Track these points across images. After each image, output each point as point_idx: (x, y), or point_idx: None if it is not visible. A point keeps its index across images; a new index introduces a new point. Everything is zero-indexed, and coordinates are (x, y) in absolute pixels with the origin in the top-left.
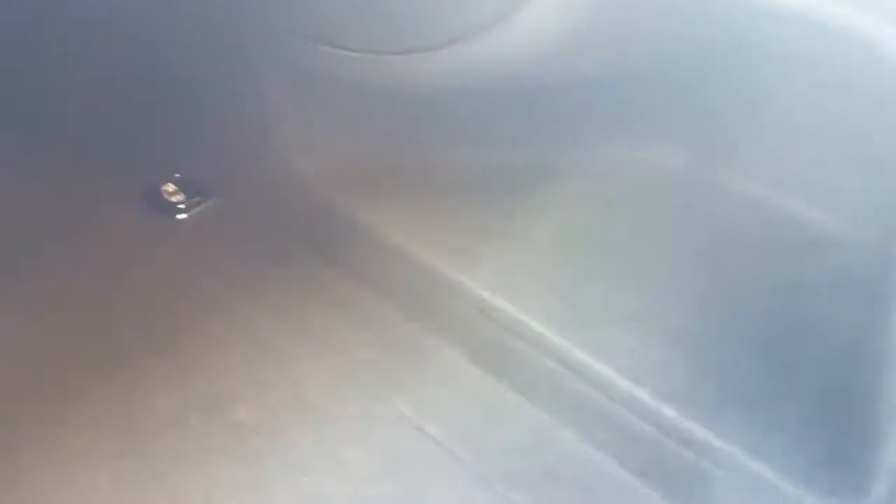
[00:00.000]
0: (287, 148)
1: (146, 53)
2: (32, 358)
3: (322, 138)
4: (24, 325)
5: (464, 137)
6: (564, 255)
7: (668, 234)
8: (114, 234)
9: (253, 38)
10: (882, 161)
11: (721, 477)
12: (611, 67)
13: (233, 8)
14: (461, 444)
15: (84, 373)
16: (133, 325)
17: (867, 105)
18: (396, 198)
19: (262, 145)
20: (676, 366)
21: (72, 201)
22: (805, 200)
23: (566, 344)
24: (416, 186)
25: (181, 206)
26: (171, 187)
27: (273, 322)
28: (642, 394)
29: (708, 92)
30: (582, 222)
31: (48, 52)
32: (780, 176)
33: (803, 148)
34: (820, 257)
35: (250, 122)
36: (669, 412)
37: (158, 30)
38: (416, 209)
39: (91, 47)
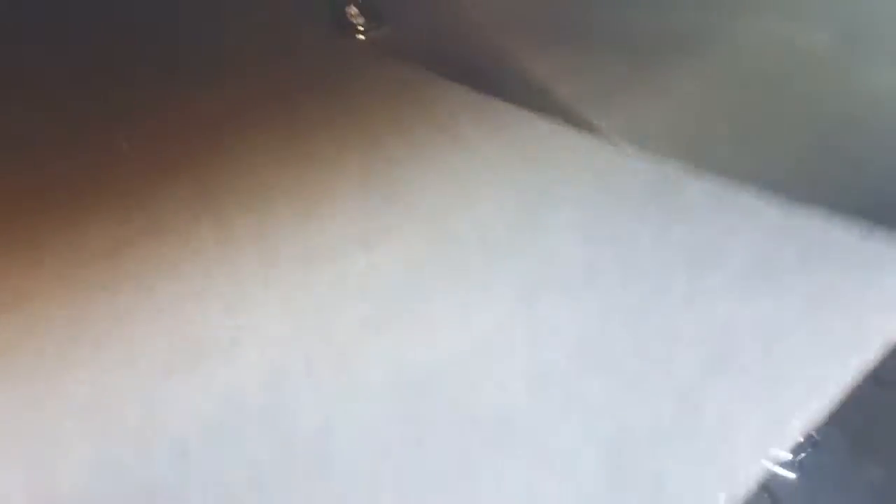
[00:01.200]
0: None
1: None
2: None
3: None
4: (215, 102)
5: None
6: (691, 114)
7: (795, 110)
8: (305, 44)
9: None
10: None
11: None
12: None
13: None
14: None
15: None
16: (311, 105)
17: None
18: (550, 44)
19: None
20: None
21: (272, 14)
22: None
23: None
24: (570, 37)
25: (361, 27)
26: (354, 10)
27: (421, 118)
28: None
29: None
30: (714, 88)
31: None
32: None
33: None
34: None
35: None
36: None
37: None
38: (566, 58)
39: None
